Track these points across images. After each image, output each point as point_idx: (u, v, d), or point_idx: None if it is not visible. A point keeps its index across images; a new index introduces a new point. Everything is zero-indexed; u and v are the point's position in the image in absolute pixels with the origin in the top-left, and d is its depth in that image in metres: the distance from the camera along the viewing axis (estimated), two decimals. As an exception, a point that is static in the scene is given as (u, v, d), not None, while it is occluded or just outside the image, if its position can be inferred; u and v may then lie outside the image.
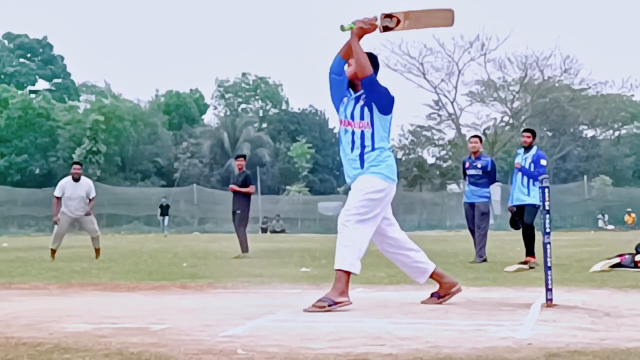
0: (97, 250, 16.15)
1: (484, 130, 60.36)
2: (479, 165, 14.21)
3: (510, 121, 61.53)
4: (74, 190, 16.10)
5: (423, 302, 6.76)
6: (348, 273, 6.46)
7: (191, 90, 77.12)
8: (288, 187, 66.10)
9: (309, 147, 71.72)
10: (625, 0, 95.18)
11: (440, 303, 6.75)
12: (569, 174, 65.45)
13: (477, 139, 14.77)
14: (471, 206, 14.27)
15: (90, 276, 11.06)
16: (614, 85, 58.09)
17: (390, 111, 6.68)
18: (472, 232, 14.27)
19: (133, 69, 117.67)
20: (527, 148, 13.33)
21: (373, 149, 6.59)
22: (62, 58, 78.58)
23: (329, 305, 6.30)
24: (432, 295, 6.85)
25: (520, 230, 13.24)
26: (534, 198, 12.82)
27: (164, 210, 46.63)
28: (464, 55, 56.67)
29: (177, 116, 73.55)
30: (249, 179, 17.11)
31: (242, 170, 17.24)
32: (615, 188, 60.90)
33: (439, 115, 62.57)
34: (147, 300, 7.58)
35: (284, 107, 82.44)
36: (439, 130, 64.74)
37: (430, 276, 6.87)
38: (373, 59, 6.78)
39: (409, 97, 66.19)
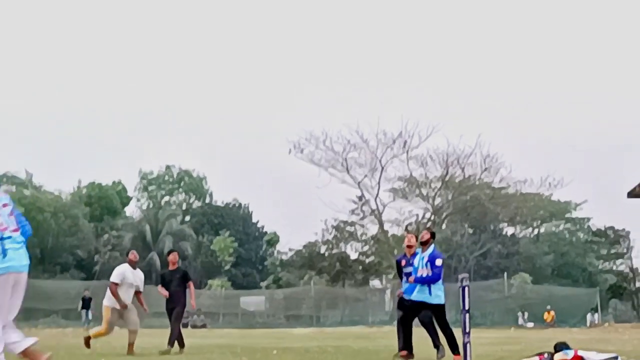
0: (132, 345, 15.77)
1: (406, 226, 60.92)
2: (418, 262, 14.16)
3: (432, 217, 62.26)
4: (134, 277, 15.62)
5: None
6: None
7: (114, 182, 76.59)
8: (210, 281, 65.57)
9: (232, 241, 71.51)
10: (545, 101, 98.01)
11: None
12: (490, 271, 66.20)
13: (413, 236, 14.77)
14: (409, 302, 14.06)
15: (5, 374, 10.75)
16: (533, 184, 59.33)
17: None
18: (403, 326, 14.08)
19: (55, 159, 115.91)
20: (425, 245, 13.43)
21: None
22: (-18, 148, 77.72)
23: None
24: None
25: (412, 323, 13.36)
26: (437, 297, 12.98)
27: (86, 303, 45.65)
28: (387, 152, 57.39)
29: (98, 208, 72.87)
30: (188, 274, 16.99)
31: (177, 266, 16.93)
32: (534, 286, 61.85)
33: (362, 211, 63.01)
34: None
35: (207, 200, 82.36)
36: (362, 226, 65.20)
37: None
38: None
39: (332, 192, 66.59)
